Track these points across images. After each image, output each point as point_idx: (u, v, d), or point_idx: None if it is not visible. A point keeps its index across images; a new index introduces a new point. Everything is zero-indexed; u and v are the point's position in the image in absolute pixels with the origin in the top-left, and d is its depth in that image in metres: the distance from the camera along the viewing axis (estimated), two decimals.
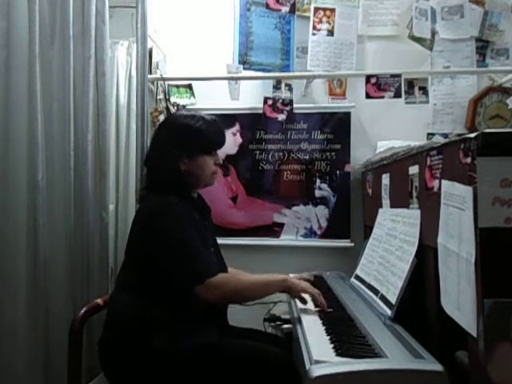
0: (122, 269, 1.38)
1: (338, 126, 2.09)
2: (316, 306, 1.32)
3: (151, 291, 1.26)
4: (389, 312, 1.18)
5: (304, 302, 1.33)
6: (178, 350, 1.20)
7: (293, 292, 1.34)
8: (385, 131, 2.07)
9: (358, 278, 1.58)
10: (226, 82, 2.00)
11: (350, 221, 2.08)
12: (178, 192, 1.33)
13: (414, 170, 1.24)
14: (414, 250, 1.18)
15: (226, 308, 1.45)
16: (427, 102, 1.91)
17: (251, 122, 2.13)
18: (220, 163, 1.47)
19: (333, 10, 2.03)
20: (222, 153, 1.58)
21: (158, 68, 2.06)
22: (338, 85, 2.12)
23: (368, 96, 1.89)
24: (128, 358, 1.22)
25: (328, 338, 1.08)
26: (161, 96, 2.12)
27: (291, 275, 1.83)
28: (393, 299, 1.19)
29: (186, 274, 1.24)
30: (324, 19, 2.03)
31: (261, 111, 2.03)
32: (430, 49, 2.01)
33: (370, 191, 1.85)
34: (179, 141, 1.37)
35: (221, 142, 1.47)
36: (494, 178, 0.82)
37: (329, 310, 1.31)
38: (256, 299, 1.36)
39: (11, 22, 1.57)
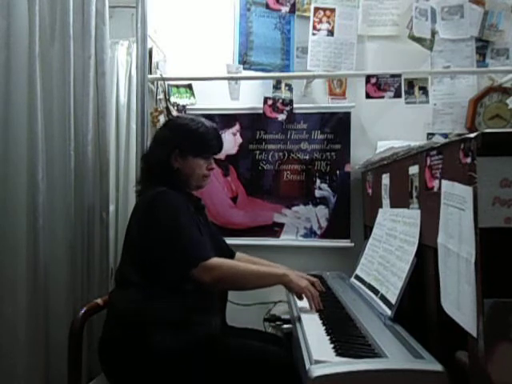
0: (121, 266, 1.39)
1: (338, 126, 2.09)
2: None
3: (150, 286, 1.27)
4: (389, 312, 1.18)
5: (300, 298, 1.33)
6: (178, 348, 1.21)
7: (290, 289, 1.34)
8: (385, 131, 2.07)
9: (358, 277, 1.58)
10: (226, 82, 2.00)
11: (349, 221, 2.08)
12: (172, 186, 1.36)
13: (414, 170, 1.24)
14: (414, 249, 1.18)
15: (224, 306, 1.46)
16: (427, 102, 1.91)
17: (251, 122, 2.13)
18: (212, 168, 1.49)
19: (333, 10, 2.02)
20: (221, 153, 1.58)
21: (158, 68, 2.06)
22: (338, 85, 2.12)
23: (368, 96, 1.89)
24: (128, 357, 1.22)
25: (328, 337, 1.08)
26: (161, 96, 2.12)
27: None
28: (393, 299, 1.19)
29: (179, 259, 1.26)
30: (324, 19, 2.03)
31: (261, 111, 2.03)
32: (430, 49, 2.01)
33: (370, 191, 1.85)
34: (174, 139, 1.43)
35: (215, 148, 1.50)
36: (493, 178, 0.82)
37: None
38: (252, 287, 1.37)
39: (11, 22, 1.56)
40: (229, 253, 1.60)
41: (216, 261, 1.28)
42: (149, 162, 1.47)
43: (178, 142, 1.42)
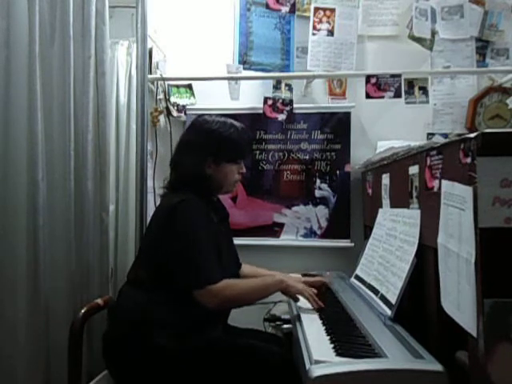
0: (135, 264, 1.39)
1: (338, 126, 2.09)
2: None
3: (158, 291, 1.27)
4: (389, 312, 1.18)
5: (295, 299, 1.35)
6: (180, 348, 1.21)
7: (288, 293, 1.36)
8: (385, 131, 2.07)
9: (358, 277, 1.58)
10: (226, 81, 2.00)
11: (349, 221, 2.08)
12: (199, 194, 1.34)
13: (414, 170, 1.24)
14: (414, 249, 1.18)
15: (229, 311, 1.46)
16: (427, 102, 1.91)
17: (251, 122, 2.12)
18: (244, 172, 1.49)
19: (333, 10, 2.03)
20: None
21: (158, 68, 2.06)
22: (338, 85, 2.12)
23: (368, 96, 1.89)
24: (131, 354, 1.23)
25: (328, 337, 1.08)
26: (161, 96, 2.12)
27: (292, 275, 1.84)
28: (393, 299, 1.19)
29: (188, 275, 1.25)
30: (324, 19, 2.03)
31: (261, 111, 2.03)
32: (430, 49, 2.01)
33: (370, 191, 1.85)
34: (208, 146, 1.39)
35: (247, 152, 1.49)
36: (494, 178, 0.82)
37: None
38: (255, 302, 1.38)
39: (11, 22, 1.56)
40: (239, 264, 1.61)
41: (220, 285, 1.24)
42: (178, 168, 1.43)
43: (213, 149, 1.38)
